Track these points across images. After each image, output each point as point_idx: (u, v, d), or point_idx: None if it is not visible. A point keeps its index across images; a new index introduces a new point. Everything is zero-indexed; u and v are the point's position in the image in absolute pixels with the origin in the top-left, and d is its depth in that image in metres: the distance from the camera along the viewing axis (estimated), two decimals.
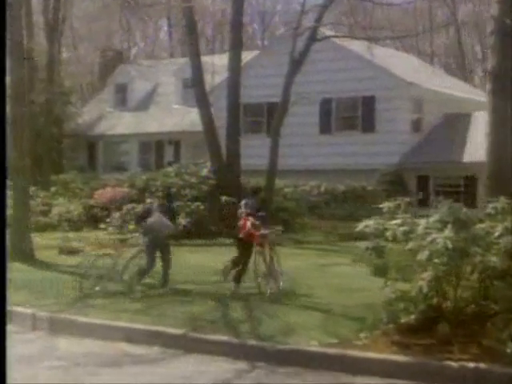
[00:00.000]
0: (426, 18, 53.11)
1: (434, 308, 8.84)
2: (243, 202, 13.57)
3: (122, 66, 40.78)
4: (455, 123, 31.24)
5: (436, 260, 8.11)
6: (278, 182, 27.70)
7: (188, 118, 35.68)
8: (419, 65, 40.62)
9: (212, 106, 27.45)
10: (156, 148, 36.25)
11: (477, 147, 28.82)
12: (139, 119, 36.41)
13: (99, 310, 11.49)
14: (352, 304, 11.62)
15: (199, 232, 24.31)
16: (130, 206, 26.05)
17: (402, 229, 8.53)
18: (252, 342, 9.30)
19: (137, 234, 15.05)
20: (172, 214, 14.42)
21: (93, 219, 25.98)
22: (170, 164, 34.71)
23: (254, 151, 29.05)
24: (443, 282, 8.16)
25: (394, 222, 8.80)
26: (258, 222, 12.77)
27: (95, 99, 41.54)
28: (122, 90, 39.07)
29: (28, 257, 17.34)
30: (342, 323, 10.11)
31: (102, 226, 25.37)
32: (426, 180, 29.48)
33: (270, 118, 32.94)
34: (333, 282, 14.63)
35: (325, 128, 31.51)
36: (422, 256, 8.03)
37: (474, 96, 37.07)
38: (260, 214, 13.20)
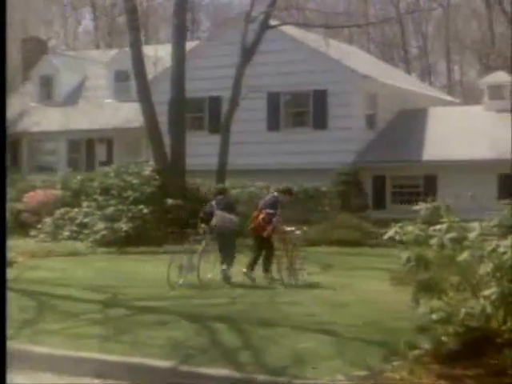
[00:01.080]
0: (361, 9, 52.39)
1: (482, 330, 7.57)
2: (262, 201, 15.56)
3: (46, 56, 38.59)
4: (411, 119, 30.39)
5: (497, 274, 6.82)
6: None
7: (121, 114, 33.90)
8: (369, 57, 39.83)
9: None
10: (86, 146, 34.31)
11: (436, 145, 28.04)
12: (67, 115, 34.33)
13: (56, 337, 9.85)
14: (356, 323, 10.33)
15: (143, 238, 22.78)
16: (63, 210, 24.37)
17: (449, 235, 7.22)
18: (261, 376, 7.84)
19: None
20: (233, 209, 15.56)
21: (21, 225, 24.13)
22: (102, 164, 32.96)
23: (194, 150, 27.44)
24: (509, 301, 6.88)
25: (439, 226, 7.47)
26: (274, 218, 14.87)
27: (17, 93, 39.18)
28: (46, 83, 36.92)
29: None
30: (360, 348, 8.75)
31: (33, 232, 23.64)
32: (383, 180, 28.48)
33: (211, 114, 31.55)
34: (316, 295, 13.36)
35: (273, 124, 30.18)
36: (485, 269, 6.74)
37: (426, 91, 36.45)
38: (268, 211, 14.96)
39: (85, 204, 23.97)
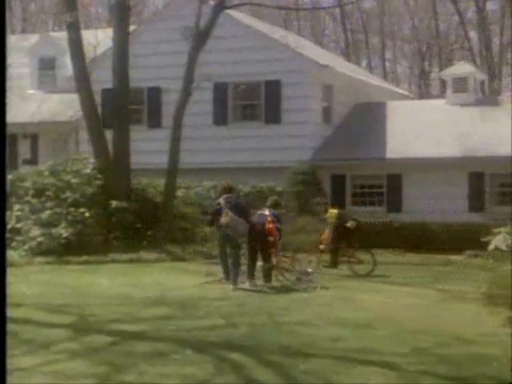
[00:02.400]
0: None
1: None
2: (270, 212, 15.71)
3: None
4: (368, 114, 29.20)
5: None
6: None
7: (47, 106, 31.80)
8: (316, 47, 38.61)
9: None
10: (8, 143, 31.82)
11: (399, 142, 26.95)
12: None
13: (35, 376, 8.11)
14: (400, 350, 8.91)
15: (84, 246, 20.90)
16: None
17: None
18: None
19: None
20: (242, 212, 15.13)
21: None
22: (26, 162, 30.82)
23: (132, 146, 25.48)
24: None
25: None
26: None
27: None
28: None
29: None
30: None
31: None
32: (342, 179, 27.17)
33: (150, 106, 29.73)
34: (322, 312, 11.90)
35: (220, 118, 28.50)
36: None
37: (379, 83, 35.45)
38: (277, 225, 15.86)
39: (16, 207, 21.89)
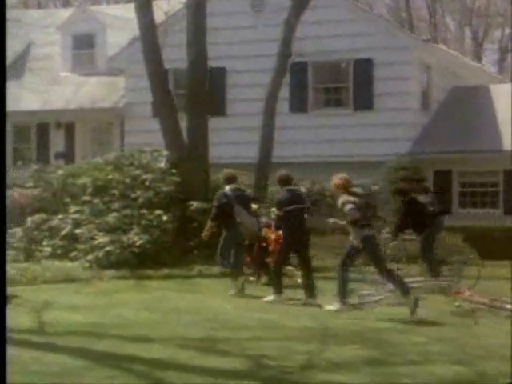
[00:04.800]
0: None
1: None
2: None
3: None
4: (471, 99, 26.62)
5: None
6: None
7: (85, 91, 29.24)
8: None
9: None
10: (38, 133, 29.29)
11: None
12: (10, 92, 29.31)
13: None
14: None
15: (161, 256, 18.33)
16: (37, 217, 19.71)
17: None
18: None
19: None
20: (249, 205, 14.48)
21: None
22: (59, 156, 28.36)
23: None
24: None
25: None
26: None
27: None
28: None
29: None
30: None
31: None
32: (448, 177, 24.60)
33: (213, 90, 26.96)
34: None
35: (298, 104, 25.85)
36: None
37: (476, 64, 32.96)
38: None
39: (72, 209, 19.26)
